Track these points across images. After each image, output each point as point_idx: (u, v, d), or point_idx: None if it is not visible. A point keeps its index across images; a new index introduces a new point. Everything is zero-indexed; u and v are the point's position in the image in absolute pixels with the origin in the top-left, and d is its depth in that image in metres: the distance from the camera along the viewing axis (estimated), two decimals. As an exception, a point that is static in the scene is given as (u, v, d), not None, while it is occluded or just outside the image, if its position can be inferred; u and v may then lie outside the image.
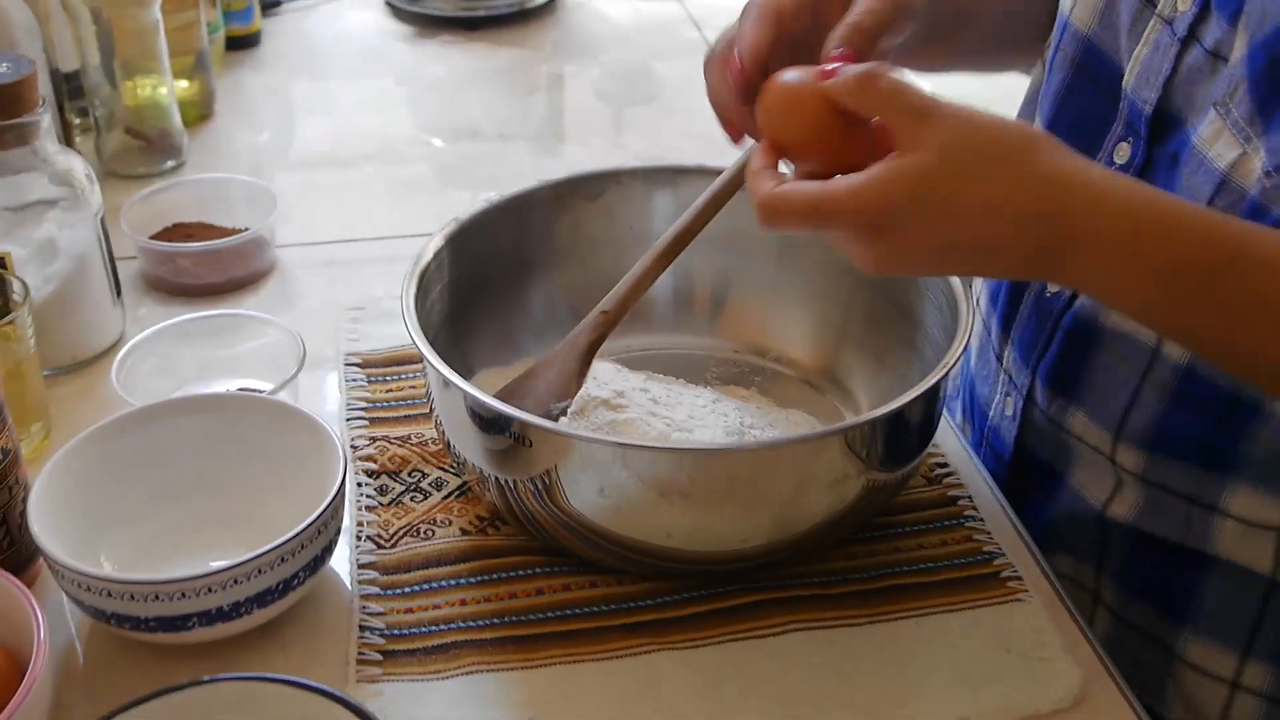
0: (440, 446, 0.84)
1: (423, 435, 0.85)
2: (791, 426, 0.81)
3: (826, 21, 0.69)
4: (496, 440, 0.71)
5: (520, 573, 0.75)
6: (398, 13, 1.60)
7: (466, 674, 0.69)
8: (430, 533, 0.78)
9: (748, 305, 0.92)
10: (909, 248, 0.61)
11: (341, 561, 0.76)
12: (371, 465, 0.83)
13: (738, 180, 0.75)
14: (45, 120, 0.87)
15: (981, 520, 0.79)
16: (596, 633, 0.72)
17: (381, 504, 0.80)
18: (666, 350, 0.92)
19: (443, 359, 0.71)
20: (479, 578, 0.75)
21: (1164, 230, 0.60)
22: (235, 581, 0.66)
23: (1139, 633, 0.79)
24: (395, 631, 0.71)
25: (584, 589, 0.74)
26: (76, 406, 0.89)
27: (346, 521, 0.76)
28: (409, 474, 0.82)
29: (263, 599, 0.68)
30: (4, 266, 0.86)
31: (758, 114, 0.66)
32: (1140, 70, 0.72)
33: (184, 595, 0.65)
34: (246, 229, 1.04)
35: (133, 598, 0.66)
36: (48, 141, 0.88)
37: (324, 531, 0.70)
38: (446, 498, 0.81)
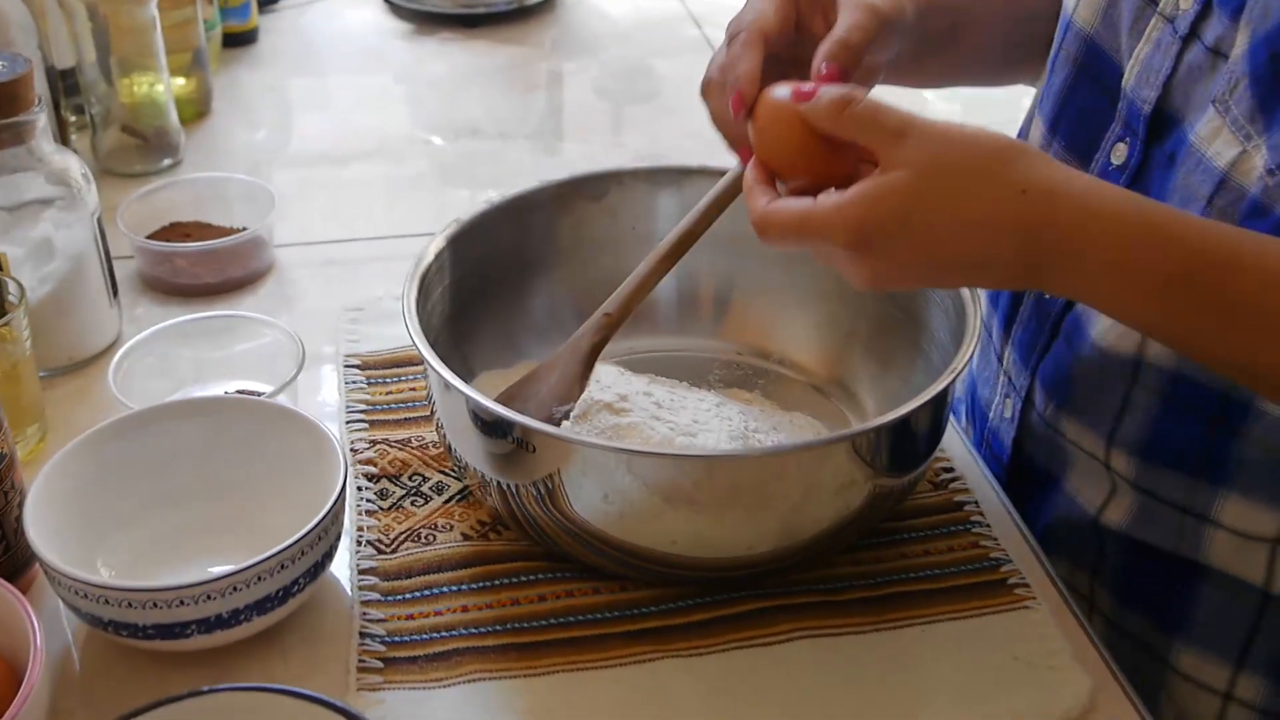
0: (441, 450, 0.83)
1: (423, 438, 0.85)
2: (796, 430, 0.80)
3: (811, 34, 0.71)
4: (499, 445, 0.70)
5: (522, 579, 0.74)
6: (396, 10, 1.59)
7: (468, 682, 0.68)
8: (431, 538, 0.77)
9: (751, 307, 0.91)
10: (897, 264, 0.61)
11: (341, 567, 0.75)
12: (371, 469, 0.82)
13: (741, 182, 0.75)
14: (41, 119, 0.86)
15: (988, 526, 0.79)
16: (600, 640, 0.71)
17: (382, 508, 0.79)
18: (669, 352, 0.91)
19: (444, 361, 0.71)
20: (481, 584, 0.74)
21: (1154, 238, 0.60)
22: (234, 588, 0.65)
23: (1133, 641, 0.79)
24: (396, 638, 0.71)
25: (587, 595, 0.73)
26: (73, 408, 0.88)
27: (346, 526, 0.75)
28: (409, 478, 0.82)
29: (262, 606, 0.67)
30: (0, 267, 0.85)
31: (749, 132, 0.67)
32: (1140, 69, 0.72)
33: (183, 602, 0.65)
34: (244, 228, 1.04)
35: (130, 605, 0.65)
36: (44, 140, 0.87)
37: (324, 537, 0.69)
38: (447, 502, 0.80)
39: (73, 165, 0.89)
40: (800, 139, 0.64)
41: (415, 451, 0.83)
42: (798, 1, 0.72)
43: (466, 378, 0.72)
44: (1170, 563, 0.75)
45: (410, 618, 0.72)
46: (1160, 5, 0.72)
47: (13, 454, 0.72)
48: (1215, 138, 0.66)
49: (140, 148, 1.18)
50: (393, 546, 0.76)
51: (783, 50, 0.71)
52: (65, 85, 1.17)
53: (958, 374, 0.70)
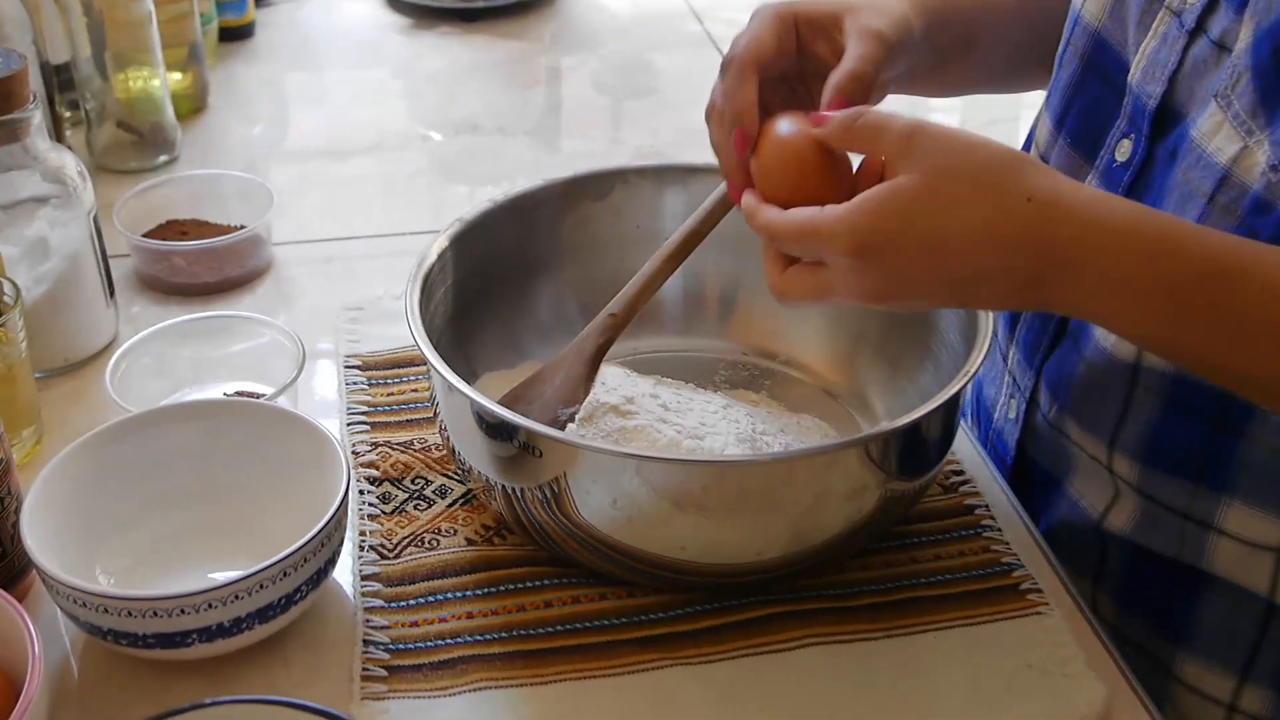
0: (444, 452, 0.82)
1: (425, 440, 0.83)
2: (804, 432, 0.79)
3: (813, 56, 0.71)
4: (503, 448, 0.69)
5: (528, 584, 0.73)
6: (394, 4, 1.58)
7: (474, 690, 0.67)
8: (435, 542, 0.76)
9: (757, 307, 0.90)
10: (902, 275, 0.61)
11: (344, 573, 0.74)
12: (374, 472, 0.81)
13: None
14: (36, 116, 0.84)
15: (999, 530, 0.78)
16: (607, 647, 0.70)
17: (384, 512, 0.78)
18: (674, 353, 0.90)
19: (447, 362, 0.70)
20: (486, 590, 0.73)
21: (1156, 251, 0.59)
22: (236, 597, 0.64)
23: (1136, 649, 0.78)
24: (400, 646, 0.70)
25: (594, 601, 0.72)
26: (69, 410, 0.87)
27: (348, 530, 0.74)
28: (412, 481, 0.80)
29: (264, 614, 0.66)
30: (-5, 267, 0.84)
31: (752, 166, 0.67)
32: (1146, 64, 0.71)
33: (183, 611, 0.64)
34: (242, 226, 1.02)
35: (130, 614, 0.64)
36: (39, 138, 0.86)
37: (327, 544, 0.68)
38: (451, 506, 0.79)
39: (68, 163, 0.88)
40: (802, 176, 0.65)
41: (418, 454, 0.82)
42: (798, 26, 0.71)
43: (469, 379, 0.71)
44: (1173, 570, 0.74)
45: (414, 625, 0.71)
46: (1167, -1, 0.71)
47: (8, 458, 0.71)
48: (1217, 133, 0.66)
49: (136, 144, 1.17)
50: (396, 551, 0.75)
51: (786, 71, 0.71)
52: (60, 81, 1.16)
53: (970, 377, 0.69)
